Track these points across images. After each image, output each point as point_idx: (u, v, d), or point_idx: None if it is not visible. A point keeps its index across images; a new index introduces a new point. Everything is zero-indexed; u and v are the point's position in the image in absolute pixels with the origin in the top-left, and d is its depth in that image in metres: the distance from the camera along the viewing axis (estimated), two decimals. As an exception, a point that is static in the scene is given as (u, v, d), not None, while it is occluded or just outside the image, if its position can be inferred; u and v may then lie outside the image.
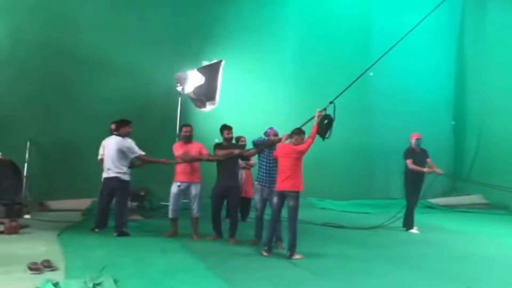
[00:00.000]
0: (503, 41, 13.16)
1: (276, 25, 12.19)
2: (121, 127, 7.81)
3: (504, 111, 13.01)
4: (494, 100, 13.26)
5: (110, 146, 7.76)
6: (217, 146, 7.87)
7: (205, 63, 9.95)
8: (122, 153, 7.65)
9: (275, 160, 7.06)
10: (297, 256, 6.71)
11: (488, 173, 12.51)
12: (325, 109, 7.24)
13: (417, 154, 9.29)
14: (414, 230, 9.22)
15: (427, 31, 12.91)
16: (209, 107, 9.99)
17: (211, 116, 10.24)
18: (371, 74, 11.95)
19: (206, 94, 9.68)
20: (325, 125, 7.19)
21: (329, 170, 12.31)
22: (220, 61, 9.79)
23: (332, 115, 7.22)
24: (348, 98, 10.83)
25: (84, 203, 9.69)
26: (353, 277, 6.04)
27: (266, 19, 12.09)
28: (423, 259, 7.12)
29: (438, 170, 9.30)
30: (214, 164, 7.81)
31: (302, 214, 9.26)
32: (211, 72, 9.68)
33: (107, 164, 7.73)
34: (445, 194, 13.44)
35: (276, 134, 7.54)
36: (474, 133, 13.87)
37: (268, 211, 7.36)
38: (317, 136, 7.10)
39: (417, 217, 9.73)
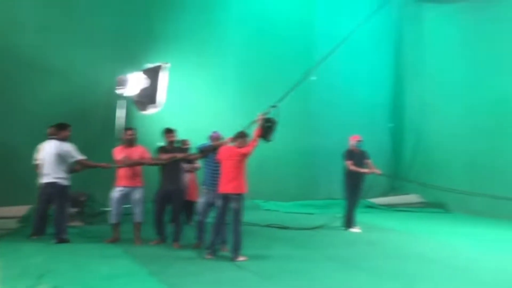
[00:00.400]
0: (438, 46, 13.75)
1: (220, 29, 12.21)
2: (60, 131, 7.60)
3: (439, 114, 13.61)
4: (430, 103, 13.84)
5: (48, 150, 7.53)
6: (161, 149, 7.79)
7: (149, 65, 9.82)
8: (61, 158, 7.45)
9: (220, 163, 7.08)
10: (241, 258, 6.76)
11: (425, 173, 13.05)
12: (267, 112, 7.33)
13: (357, 155, 9.56)
14: (356, 229, 9.49)
15: (367, 36, 13.35)
16: (152, 110, 9.86)
17: (154, 119, 10.12)
18: (314, 78, 12.27)
19: (149, 97, 9.55)
20: (267, 128, 7.28)
21: (274, 172, 12.46)
22: (164, 63, 9.69)
23: (274, 118, 7.32)
24: (291, 101, 11.02)
25: (20, 209, 9.30)
26: (296, 278, 6.14)
27: (210, 23, 12.09)
28: (364, 258, 7.32)
29: (377, 171, 9.61)
30: (157, 168, 7.73)
31: (247, 216, 9.31)
32: (154, 74, 9.56)
33: (45, 169, 7.49)
34: (384, 194, 13.89)
35: (220, 138, 7.58)
36: (411, 135, 14.41)
37: (212, 214, 7.37)
38: (261, 139, 7.17)
39: (358, 216, 10.00)
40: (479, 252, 8.14)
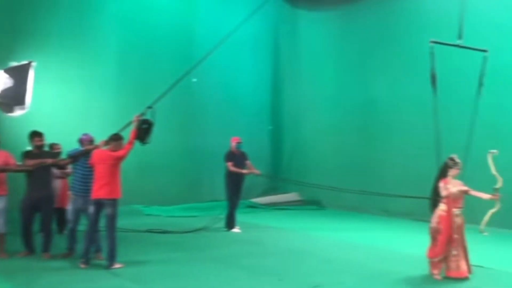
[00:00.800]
0: (312, 50, 14.47)
1: (95, 30, 11.65)
2: None
3: (313, 115, 14.30)
4: (305, 105, 14.50)
5: None
6: (27, 154, 7.25)
7: (13, 64, 9.11)
8: None
9: (92, 168, 6.76)
10: (117, 266, 6.53)
11: (302, 172, 13.61)
12: (143, 113, 7.16)
13: (237, 156, 9.72)
14: (236, 230, 9.63)
15: (247, 38, 13.64)
16: (18, 112, 9.17)
17: (21, 122, 9.39)
18: (195, 80, 12.28)
19: (14, 97, 8.86)
20: (144, 130, 7.11)
21: (156, 176, 12.21)
22: (30, 62, 9.06)
23: (151, 120, 7.17)
24: (173, 103, 11.00)
25: None
26: (174, 281, 6.10)
27: (85, 23, 11.48)
28: (243, 256, 7.49)
29: (256, 171, 9.85)
30: (24, 174, 7.20)
31: (126, 222, 9.10)
32: (20, 74, 8.91)
33: None
34: (265, 193, 14.27)
35: (91, 140, 7.25)
36: (289, 136, 14.98)
37: (83, 221, 7.02)
38: (137, 142, 6.98)
39: (240, 216, 10.18)
40: (345, 244, 8.74)
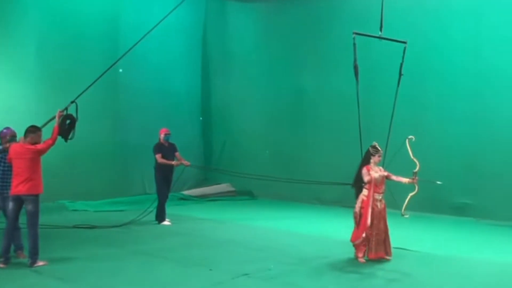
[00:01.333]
0: (241, 41, 14.49)
1: (14, 21, 11.00)
2: None
3: (244, 106, 14.35)
4: (236, 96, 14.52)
5: None
6: None
7: None
8: None
9: (11, 164, 6.41)
10: (40, 263, 6.28)
11: (234, 162, 13.60)
12: (66, 108, 6.88)
13: (166, 148, 9.59)
14: (166, 222, 9.52)
15: (175, 29, 13.42)
16: None
17: None
18: (121, 70, 11.95)
19: None
20: (67, 126, 6.85)
21: (82, 170, 11.75)
22: None
23: (74, 115, 6.90)
24: (99, 96, 10.69)
25: None
26: (102, 277, 5.95)
27: (1, 11, 10.85)
28: (173, 249, 7.42)
29: (186, 162, 9.76)
30: None
31: (51, 219, 8.81)
32: None
33: None
34: (197, 185, 14.18)
35: (13, 135, 6.86)
36: (220, 127, 14.93)
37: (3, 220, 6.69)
38: (60, 137, 6.70)
39: (171, 209, 10.10)
40: (277, 232, 8.91)
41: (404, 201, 6.76)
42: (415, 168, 6.68)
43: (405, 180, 6.73)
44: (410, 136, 6.79)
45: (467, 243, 8.37)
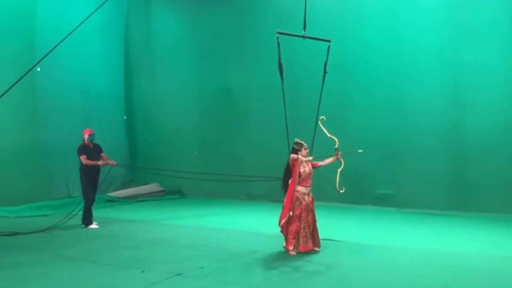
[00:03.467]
0: (166, 38, 14.34)
1: None
2: None
3: (171, 103, 14.22)
4: (162, 94, 14.36)
5: None
6: None
7: None
8: None
9: None
10: (-44, 275, 5.89)
11: (162, 161, 13.43)
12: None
13: (91, 149, 9.32)
14: (94, 225, 9.26)
15: (95, 26, 12.99)
16: None
17: None
18: (39, 69, 11.41)
19: None
20: None
21: (1, 175, 11.13)
22: None
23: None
24: (15, 97, 10.09)
25: None
26: (26, 284, 5.68)
27: None
28: (102, 252, 7.23)
29: (112, 162, 9.53)
30: None
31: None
32: None
33: None
34: (124, 186, 13.89)
35: None
36: (145, 126, 14.72)
37: None
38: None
39: (98, 211, 9.84)
40: (208, 230, 8.96)
41: (335, 179, 7.05)
42: (335, 145, 7.04)
43: (330, 160, 7.11)
44: (321, 117, 7.15)
45: (388, 232, 8.82)
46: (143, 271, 6.07)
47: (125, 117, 14.55)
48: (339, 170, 7.06)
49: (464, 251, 7.19)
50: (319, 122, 7.12)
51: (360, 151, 7.51)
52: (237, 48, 13.20)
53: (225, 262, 6.52)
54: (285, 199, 7.02)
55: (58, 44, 7.77)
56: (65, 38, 7.80)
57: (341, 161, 7.07)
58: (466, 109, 10.59)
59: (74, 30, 7.91)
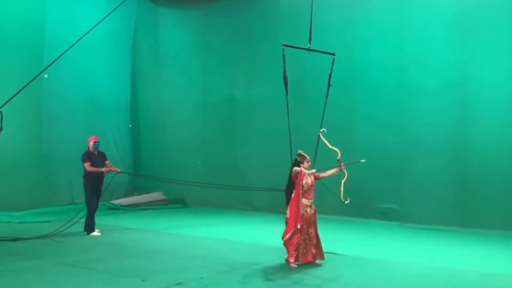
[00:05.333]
0: (174, 50, 14.44)
1: None
2: None
3: (176, 114, 14.27)
4: (167, 103, 14.41)
5: None
6: None
7: None
8: None
9: None
10: (-44, 280, 5.91)
11: (166, 170, 13.43)
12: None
13: (95, 157, 9.36)
14: (96, 233, 9.27)
15: (105, 38, 13.20)
16: None
17: None
18: (46, 76, 11.51)
19: None
20: None
21: (4, 180, 11.19)
22: None
23: (-1, 124, 6.57)
24: (22, 104, 10.20)
25: None
26: (26, 291, 5.70)
27: None
28: (102, 260, 7.23)
29: (116, 169, 9.56)
30: None
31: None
32: None
33: None
34: (127, 194, 13.92)
35: None
36: (150, 135, 14.76)
37: None
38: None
39: (100, 219, 9.86)
40: (209, 240, 8.94)
41: (339, 190, 7.06)
42: (337, 156, 7.06)
43: (332, 171, 7.13)
44: (322, 129, 7.20)
45: (390, 246, 8.77)
46: (143, 280, 6.07)
47: (130, 126, 14.61)
48: (343, 181, 7.06)
49: (467, 267, 7.14)
50: (320, 134, 7.16)
51: (362, 161, 7.53)
52: (242, 59, 13.27)
53: (225, 273, 6.50)
54: (287, 212, 7.01)
55: (66, 51, 7.83)
56: (72, 45, 7.85)
57: (344, 172, 7.09)
58: (471, 125, 10.57)
59: (81, 38, 7.96)
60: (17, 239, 8.59)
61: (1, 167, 10.97)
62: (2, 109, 6.61)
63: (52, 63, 7.79)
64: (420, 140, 11.01)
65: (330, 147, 7.08)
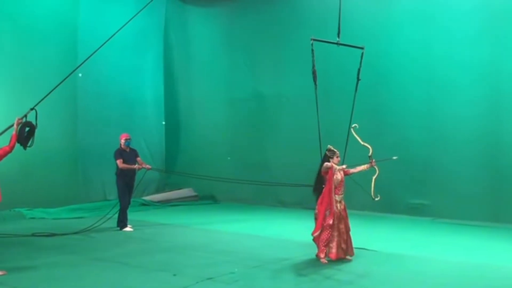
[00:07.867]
0: (202, 45, 14.50)
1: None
2: None
3: (207, 111, 14.35)
4: (198, 101, 14.51)
5: None
6: None
7: None
8: None
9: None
10: (-2, 273, 6.12)
11: (197, 167, 13.45)
12: (25, 116, 6.73)
13: (127, 154, 9.51)
14: (128, 228, 9.44)
15: (137, 34, 13.35)
16: None
17: None
18: (80, 75, 11.77)
19: None
20: (26, 133, 6.71)
21: (40, 177, 11.47)
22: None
23: (34, 122, 6.77)
24: (57, 102, 10.47)
25: None
26: (61, 285, 5.86)
27: None
28: (135, 255, 7.37)
29: (147, 166, 9.71)
30: None
31: (8, 227, 8.61)
32: None
33: None
34: (159, 190, 14.11)
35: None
36: (181, 131, 14.89)
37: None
38: (18, 145, 6.57)
39: (132, 215, 10.05)
40: (239, 236, 9.02)
41: (370, 187, 7.00)
42: (368, 153, 6.97)
43: (363, 167, 7.05)
44: (354, 125, 7.09)
45: (422, 242, 8.65)
46: (174, 275, 6.16)
47: (163, 123, 14.81)
48: (374, 177, 6.99)
49: (500, 264, 6.99)
50: (352, 129, 7.08)
51: (395, 158, 7.44)
52: (270, 54, 13.23)
53: (255, 268, 6.54)
54: (317, 208, 6.99)
55: (98, 49, 7.98)
56: (104, 43, 8.01)
57: (375, 169, 7.01)
58: (503, 118, 10.29)
59: (112, 36, 8.12)
60: (53, 235, 8.83)
61: (37, 165, 11.23)
62: (37, 107, 6.83)
63: (84, 61, 7.95)
64: (451, 135, 10.79)
65: (362, 143, 7.01)
